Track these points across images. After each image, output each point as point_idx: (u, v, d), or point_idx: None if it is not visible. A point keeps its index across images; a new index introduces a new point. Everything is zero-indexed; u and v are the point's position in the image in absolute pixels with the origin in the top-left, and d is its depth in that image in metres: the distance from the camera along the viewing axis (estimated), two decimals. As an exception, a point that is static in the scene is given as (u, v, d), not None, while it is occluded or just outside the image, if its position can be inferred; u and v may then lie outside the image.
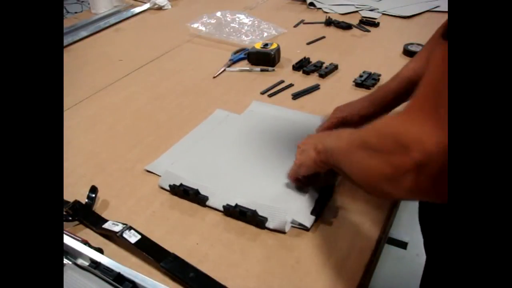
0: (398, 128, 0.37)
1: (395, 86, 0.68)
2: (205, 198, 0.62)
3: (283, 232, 0.58)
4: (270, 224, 0.58)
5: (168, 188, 0.65)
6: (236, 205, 0.60)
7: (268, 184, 0.66)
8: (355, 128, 0.51)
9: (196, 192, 0.63)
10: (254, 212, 0.58)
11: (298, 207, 0.60)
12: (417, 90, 0.36)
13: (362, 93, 0.91)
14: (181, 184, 0.64)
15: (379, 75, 0.95)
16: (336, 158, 0.50)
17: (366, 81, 0.93)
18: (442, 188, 0.33)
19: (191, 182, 0.64)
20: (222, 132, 0.79)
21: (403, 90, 0.67)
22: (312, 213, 0.59)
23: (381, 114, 0.67)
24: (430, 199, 0.37)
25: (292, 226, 0.59)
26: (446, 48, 0.32)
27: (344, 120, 0.69)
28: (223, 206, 0.61)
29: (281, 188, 0.65)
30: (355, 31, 1.23)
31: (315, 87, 0.92)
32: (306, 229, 0.58)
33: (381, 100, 0.69)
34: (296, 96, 0.90)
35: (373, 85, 0.92)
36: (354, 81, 0.94)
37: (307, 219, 0.58)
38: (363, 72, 0.96)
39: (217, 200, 0.62)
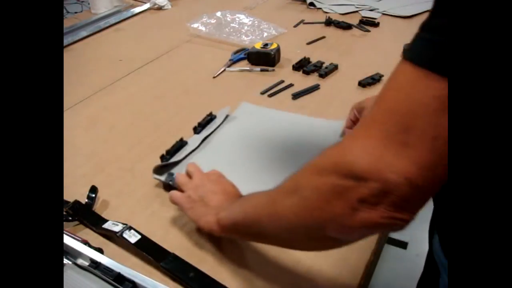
0: (344, 158, 0.33)
1: None
2: None
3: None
4: None
5: (163, 179, 0.65)
6: None
7: (265, 187, 0.66)
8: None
9: None
10: None
11: None
12: (369, 112, 0.34)
13: (363, 93, 0.91)
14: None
15: (382, 76, 0.95)
16: (250, 224, 0.45)
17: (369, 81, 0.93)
18: (405, 216, 0.31)
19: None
20: (221, 132, 0.79)
21: None
22: None
23: None
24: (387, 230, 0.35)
25: None
26: (406, 68, 0.32)
27: (361, 106, 0.71)
28: None
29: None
30: (355, 31, 1.23)
31: (315, 87, 0.92)
32: None
33: None
34: (296, 96, 0.90)
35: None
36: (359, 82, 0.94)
37: None
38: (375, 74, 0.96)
39: None
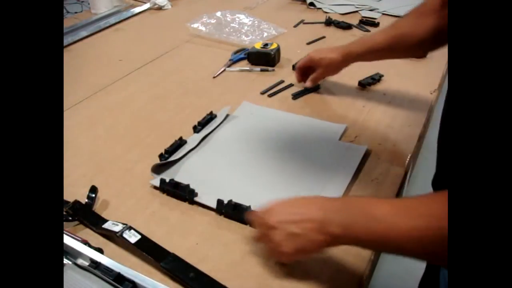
0: None
1: (360, 42, 0.82)
2: (195, 193, 0.63)
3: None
4: None
5: (158, 183, 0.65)
6: (230, 200, 0.60)
7: (264, 187, 0.66)
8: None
9: (186, 186, 0.63)
10: (247, 208, 0.58)
11: None
12: None
13: (363, 93, 0.91)
14: (171, 179, 0.64)
15: (381, 76, 0.95)
16: (371, 241, 0.44)
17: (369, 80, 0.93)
18: None
19: (181, 178, 0.65)
20: (221, 133, 0.79)
21: (365, 48, 0.80)
22: None
23: (341, 61, 0.83)
24: None
25: None
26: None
27: (313, 60, 0.86)
28: (217, 200, 0.61)
29: (276, 190, 0.65)
30: (355, 31, 1.23)
31: (316, 88, 0.92)
32: None
33: (345, 50, 0.82)
34: (296, 96, 0.90)
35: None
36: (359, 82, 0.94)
37: None
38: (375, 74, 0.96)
39: (209, 197, 0.62)
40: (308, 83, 0.89)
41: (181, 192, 0.63)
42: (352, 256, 0.54)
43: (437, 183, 0.60)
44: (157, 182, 0.65)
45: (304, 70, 0.89)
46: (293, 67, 1.01)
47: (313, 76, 0.88)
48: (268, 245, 0.51)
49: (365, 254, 0.55)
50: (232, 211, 0.59)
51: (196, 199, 0.63)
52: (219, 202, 0.60)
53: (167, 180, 0.64)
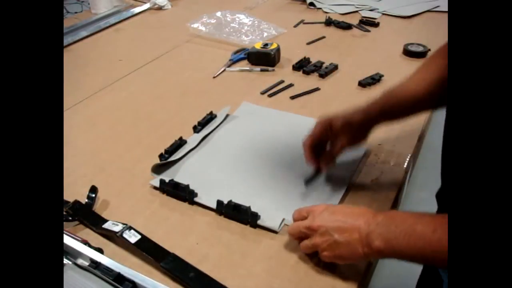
0: None
1: (383, 100, 0.62)
2: (195, 194, 0.63)
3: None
4: (263, 222, 0.58)
5: (158, 184, 0.65)
6: (230, 201, 0.60)
7: (264, 187, 0.66)
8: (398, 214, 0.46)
9: (186, 187, 0.63)
10: (247, 208, 0.58)
11: (292, 208, 0.60)
12: None
13: (363, 93, 0.91)
14: (171, 180, 0.64)
15: (382, 76, 0.95)
16: (414, 255, 0.44)
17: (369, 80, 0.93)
18: None
19: (181, 179, 0.65)
20: (221, 133, 0.79)
21: (391, 107, 0.61)
22: None
23: (365, 125, 0.63)
24: None
25: (286, 225, 0.59)
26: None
27: (328, 124, 0.62)
28: (217, 201, 0.61)
29: (276, 190, 0.65)
30: (355, 31, 1.23)
31: (315, 90, 0.92)
32: None
33: (367, 110, 0.62)
34: (296, 96, 0.90)
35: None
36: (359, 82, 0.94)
37: None
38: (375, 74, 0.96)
39: (209, 198, 0.62)
40: (323, 167, 0.65)
41: (181, 193, 0.63)
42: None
43: (442, 197, 0.60)
44: (156, 183, 0.65)
45: (316, 148, 0.65)
46: (293, 67, 1.01)
47: (330, 154, 0.65)
48: (305, 243, 0.52)
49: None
50: (232, 211, 0.59)
51: (196, 199, 0.63)
52: (219, 202, 0.60)
53: (167, 181, 0.64)
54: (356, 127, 0.62)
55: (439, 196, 0.60)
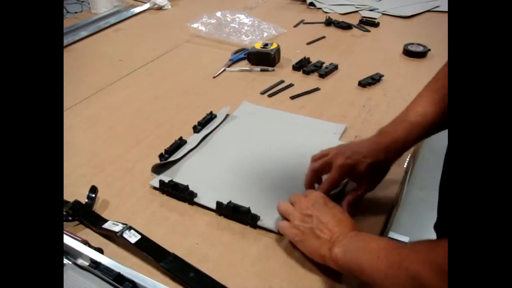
0: None
1: (404, 133, 0.59)
2: (195, 195, 0.63)
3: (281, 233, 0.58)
4: (263, 223, 0.58)
5: (157, 184, 0.65)
6: (230, 202, 0.60)
7: (263, 187, 0.66)
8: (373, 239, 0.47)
9: (186, 187, 0.63)
10: (248, 210, 0.58)
11: None
12: None
13: (363, 93, 0.91)
14: (170, 180, 0.64)
15: (382, 76, 0.95)
16: (360, 272, 0.46)
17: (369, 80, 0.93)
18: None
19: (181, 179, 0.65)
20: (220, 133, 0.79)
21: (413, 137, 0.59)
22: None
23: (389, 162, 0.60)
24: None
25: None
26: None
27: (350, 169, 0.58)
28: (217, 202, 0.61)
29: (276, 190, 0.65)
30: (355, 31, 1.23)
31: (315, 90, 0.92)
32: None
33: (390, 147, 0.59)
34: (296, 96, 0.90)
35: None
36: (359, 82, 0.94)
37: None
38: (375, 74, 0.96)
39: (209, 198, 0.62)
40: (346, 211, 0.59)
41: (181, 194, 0.63)
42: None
43: (440, 228, 0.59)
44: (156, 183, 0.65)
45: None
46: (293, 67, 1.01)
47: (351, 198, 0.60)
48: (285, 219, 0.56)
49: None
50: (232, 212, 0.59)
51: (195, 200, 0.63)
52: (219, 204, 0.60)
53: (167, 181, 0.64)
54: (381, 169, 0.60)
55: (437, 227, 0.60)
